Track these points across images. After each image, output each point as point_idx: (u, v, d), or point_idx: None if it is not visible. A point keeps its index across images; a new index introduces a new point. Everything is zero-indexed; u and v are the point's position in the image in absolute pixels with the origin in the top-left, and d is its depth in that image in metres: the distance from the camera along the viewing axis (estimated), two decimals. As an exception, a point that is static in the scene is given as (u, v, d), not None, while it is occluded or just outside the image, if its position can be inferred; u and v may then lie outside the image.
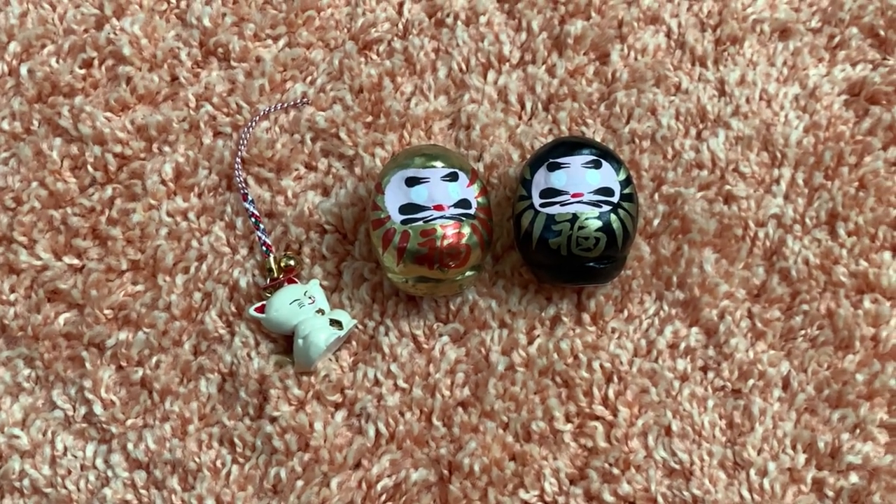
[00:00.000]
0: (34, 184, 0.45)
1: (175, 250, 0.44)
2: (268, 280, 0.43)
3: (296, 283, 0.43)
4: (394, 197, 0.40)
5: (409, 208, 0.40)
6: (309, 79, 0.47)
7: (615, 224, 0.40)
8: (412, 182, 0.40)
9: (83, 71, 0.47)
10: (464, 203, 0.40)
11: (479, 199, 0.41)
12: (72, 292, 0.43)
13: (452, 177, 0.41)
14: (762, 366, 0.41)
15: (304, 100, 0.46)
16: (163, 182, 0.44)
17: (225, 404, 0.42)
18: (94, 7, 0.48)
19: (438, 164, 0.41)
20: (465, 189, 0.41)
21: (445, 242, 0.39)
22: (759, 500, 0.39)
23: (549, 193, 0.40)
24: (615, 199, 0.40)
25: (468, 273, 0.41)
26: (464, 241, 0.40)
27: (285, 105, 0.46)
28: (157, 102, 0.47)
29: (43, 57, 0.47)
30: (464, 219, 0.40)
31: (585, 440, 0.41)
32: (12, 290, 0.43)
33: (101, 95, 0.46)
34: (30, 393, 0.42)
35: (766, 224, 0.44)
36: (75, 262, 0.43)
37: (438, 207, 0.40)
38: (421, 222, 0.40)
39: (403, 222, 0.40)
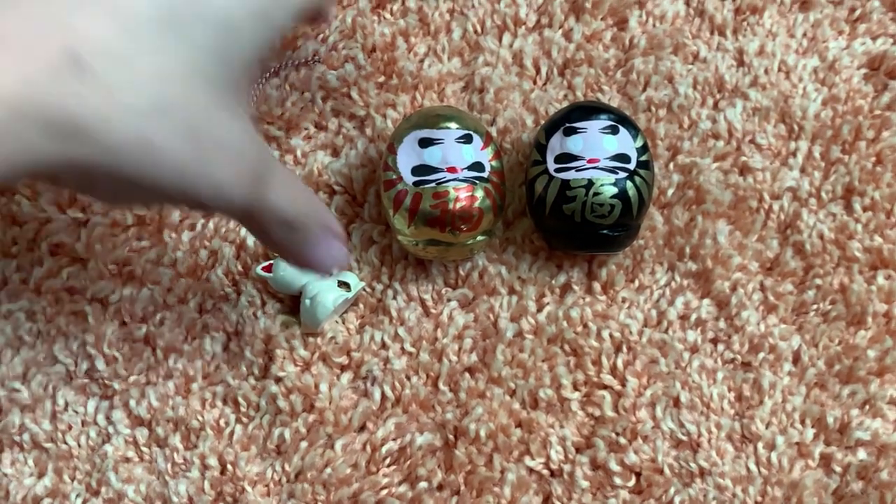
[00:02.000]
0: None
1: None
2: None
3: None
4: (406, 158, 0.40)
5: (421, 170, 0.39)
6: (321, 36, 0.46)
7: (631, 191, 0.39)
8: (425, 143, 0.40)
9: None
10: (477, 166, 0.40)
11: (493, 163, 0.40)
12: (75, 246, 0.42)
13: (467, 139, 0.40)
14: (773, 339, 0.41)
15: (316, 58, 0.45)
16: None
17: (230, 363, 0.41)
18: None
19: (453, 125, 0.40)
20: (479, 152, 0.40)
21: (458, 205, 0.39)
22: (767, 473, 0.39)
23: (565, 158, 0.40)
24: (632, 166, 0.39)
25: (479, 237, 0.40)
26: (476, 204, 0.39)
27: (296, 63, 0.45)
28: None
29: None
30: (477, 182, 0.39)
31: (593, 409, 0.40)
32: (14, 243, 0.43)
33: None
34: (31, 347, 0.42)
35: (781, 197, 0.43)
36: (80, 215, 0.43)
37: (452, 170, 0.39)
38: (433, 184, 0.39)
39: (416, 184, 0.39)
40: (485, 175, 0.39)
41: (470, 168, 0.39)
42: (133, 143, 0.25)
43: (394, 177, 0.40)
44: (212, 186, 0.27)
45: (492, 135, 0.42)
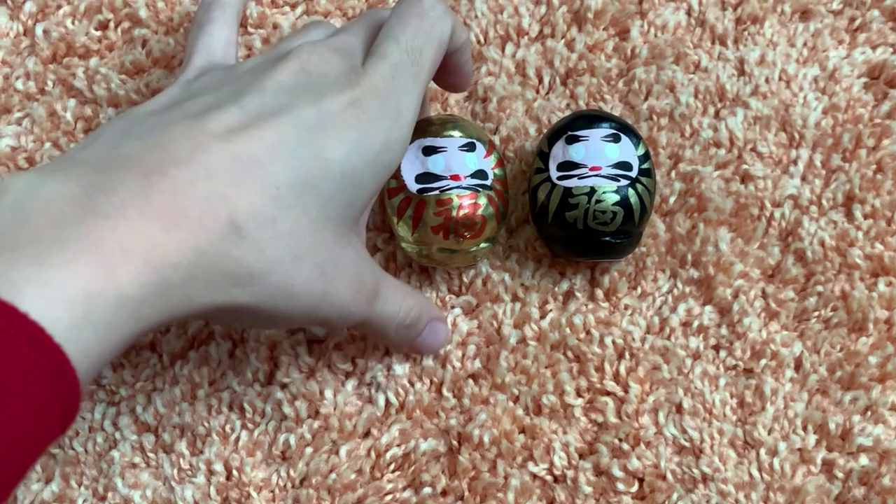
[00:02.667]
0: (47, 144, 0.45)
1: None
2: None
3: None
4: (410, 166, 0.40)
5: (425, 177, 0.40)
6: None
7: (633, 199, 0.39)
8: (429, 151, 0.40)
9: (99, 33, 0.47)
10: (480, 174, 0.40)
11: (496, 171, 0.41)
12: (83, 254, 0.43)
13: (470, 147, 0.40)
14: (775, 346, 0.41)
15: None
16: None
17: (235, 370, 0.41)
18: (111, -31, 0.48)
19: (456, 133, 0.40)
20: (482, 160, 0.40)
21: (461, 213, 0.39)
22: (769, 479, 0.39)
23: (567, 166, 0.40)
24: (633, 173, 0.40)
25: (483, 245, 0.40)
26: (479, 211, 0.39)
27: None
28: (172, 66, 0.46)
29: (59, 17, 0.47)
30: (480, 189, 0.39)
31: (596, 415, 0.41)
32: (23, 251, 0.43)
33: (117, 57, 0.46)
34: (39, 354, 0.42)
35: (782, 204, 0.44)
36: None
37: (455, 177, 0.39)
38: (437, 192, 0.39)
39: (419, 191, 0.39)
40: (488, 183, 0.40)
41: (473, 176, 0.40)
42: (277, 289, 0.30)
43: (397, 184, 0.40)
44: (337, 310, 0.33)
45: (495, 143, 0.42)
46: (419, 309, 0.38)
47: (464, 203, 0.39)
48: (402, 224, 0.40)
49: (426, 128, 0.41)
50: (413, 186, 0.40)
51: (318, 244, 0.31)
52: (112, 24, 0.47)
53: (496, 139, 0.45)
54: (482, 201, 0.39)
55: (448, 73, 0.39)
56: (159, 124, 0.30)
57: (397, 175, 0.40)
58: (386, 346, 0.41)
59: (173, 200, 0.28)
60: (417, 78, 0.35)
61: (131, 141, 0.30)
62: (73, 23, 0.47)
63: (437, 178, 0.40)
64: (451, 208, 0.39)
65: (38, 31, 0.46)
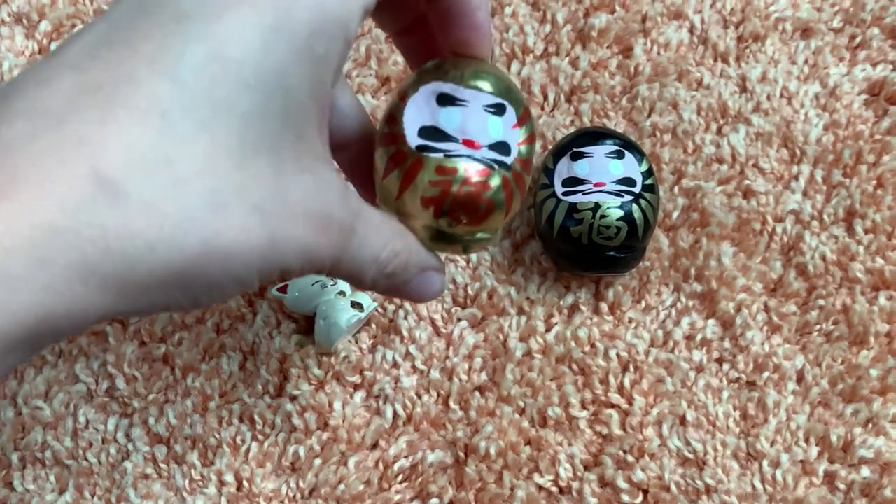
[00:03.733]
0: (62, 161, 0.45)
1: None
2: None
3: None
4: (415, 113, 0.30)
5: (431, 133, 0.29)
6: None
7: (636, 214, 0.40)
8: (444, 101, 0.30)
9: (112, 51, 0.47)
10: (502, 147, 0.30)
11: (522, 148, 0.30)
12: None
13: (498, 109, 0.30)
14: (777, 359, 0.42)
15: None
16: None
17: (246, 382, 0.42)
18: (125, -11, 0.49)
19: (486, 86, 0.30)
20: (510, 130, 0.30)
21: (464, 189, 0.29)
22: (772, 490, 0.40)
23: (572, 182, 0.41)
24: (637, 189, 0.40)
25: (479, 235, 0.31)
26: (487, 194, 0.29)
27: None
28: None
29: (73, 36, 0.48)
30: (496, 167, 0.29)
31: (601, 427, 0.41)
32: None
33: (130, 75, 0.47)
34: (53, 366, 0.43)
35: (784, 219, 0.44)
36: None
37: (469, 143, 0.30)
38: (441, 155, 0.29)
39: (419, 148, 0.29)
40: (508, 160, 0.30)
41: (492, 147, 0.30)
42: (198, 254, 0.22)
43: (390, 131, 0.30)
44: (297, 257, 0.24)
45: (530, 112, 0.32)
46: (407, 255, 0.29)
47: (471, 178, 0.29)
48: (388, 182, 0.30)
49: (447, 69, 0.30)
50: (413, 140, 0.29)
51: (250, 178, 0.23)
52: (126, 43, 0.48)
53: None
54: (494, 182, 0.29)
55: (453, 23, 0.29)
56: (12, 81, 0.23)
57: (396, 120, 0.30)
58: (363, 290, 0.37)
59: (2, 167, 0.20)
60: None
61: None
62: (87, 41, 0.48)
63: (447, 137, 0.29)
64: (452, 180, 0.29)
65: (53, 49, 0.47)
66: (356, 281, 0.28)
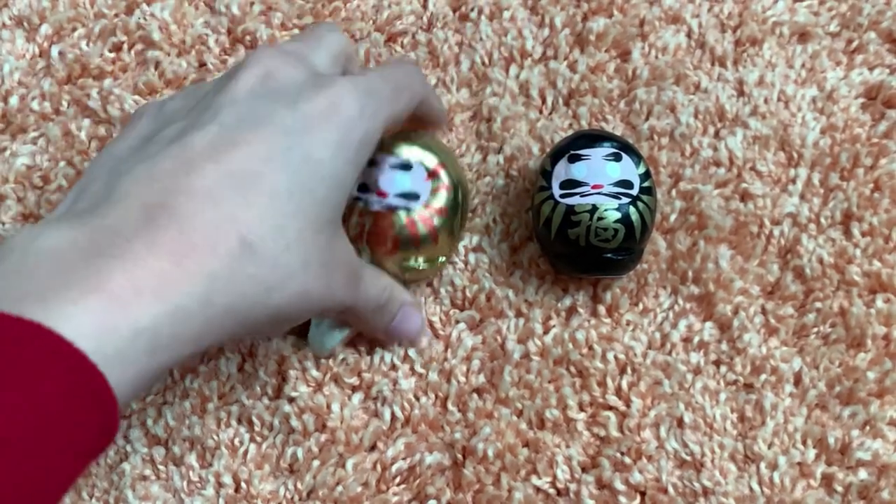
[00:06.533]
0: (62, 163, 0.46)
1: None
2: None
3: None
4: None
5: (360, 187, 0.39)
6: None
7: (634, 216, 0.40)
8: (370, 163, 0.39)
9: (113, 54, 0.48)
10: (408, 195, 0.39)
11: (435, 196, 0.40)
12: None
13: (405, 167, 0.40)
14: (774, 361, 0.42)
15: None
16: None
17: (244, 384, 0.42)
18: (125, -8, 0.49)
19: (400, 151, 0.40)
20: (421, 182, 0.40)
21: (369, 226, 0.39)
22: (769, 493, 0.40)
23: (570, 185, 0.41)
24: (634, 191, 0.41)
25: (410, 264, 0.40)
26: (393, 231, 0.39)
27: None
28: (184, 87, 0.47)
29: (74, 39, 0.48)
30: (399, 209, 0.39)
31: (598, 429, 0.41)
32: (38, 267, 0.44)
33: (130, 78, 0.47)
34: (52, 368, 0.43)
35: (781, 222, 0.44)
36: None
37: (380, 193, 0.39)
38: (362, 203, 0.39)
39: (354, 197, 0.39)
40: (414, 205, 0.39)
41: (399, 196, 0.39)
42: (294, 297, 0.31)
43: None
44: (333, 301, 0.34)
45: (448, 165, 0.41)
46: (391, 290, 0.39)
47: (377, 218, 0.39)
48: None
49: (385, 141, 0.39)
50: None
51: (320, 245, 0.32)
52: (126, 46, 0.48)
53: (500, 158, 0.45)
54: (398, 221, 0.39)
55: (420, 123, 0.41)
56: (144, 157, 0.30)
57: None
58: (367, 335, 0.42)
59: (180, 232, 0.28)
60: (390, 103, 0.35)
61: (122, 179, 0.30)
62: (87, 45, 0.48)
63: (367, 189, 0.39)
64: (364, 222, 0.39)
65: (54, 52, 0.47)
66: (363, 318, 0.38)
